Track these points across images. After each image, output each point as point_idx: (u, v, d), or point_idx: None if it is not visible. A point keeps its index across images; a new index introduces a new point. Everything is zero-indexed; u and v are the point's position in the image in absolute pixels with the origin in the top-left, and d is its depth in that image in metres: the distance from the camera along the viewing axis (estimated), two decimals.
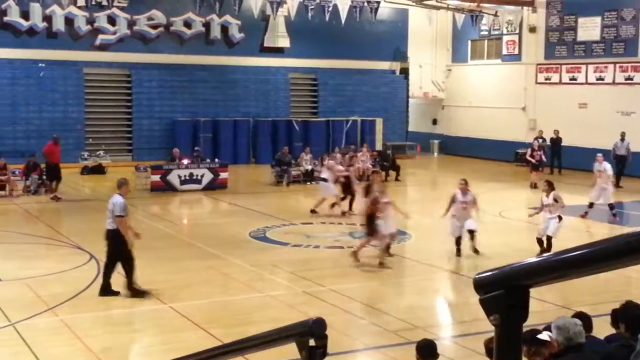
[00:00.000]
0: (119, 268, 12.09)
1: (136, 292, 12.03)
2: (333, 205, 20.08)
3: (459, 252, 15.36)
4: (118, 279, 12.12)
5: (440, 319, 12.22)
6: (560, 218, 15.29)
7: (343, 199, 20.33)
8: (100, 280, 12.35)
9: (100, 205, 21.45)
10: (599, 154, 20.69)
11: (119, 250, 12.01)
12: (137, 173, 24.64)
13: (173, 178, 23.62)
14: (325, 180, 20.41)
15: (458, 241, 15.32)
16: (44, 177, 22.72)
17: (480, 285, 2.86)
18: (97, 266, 13.90)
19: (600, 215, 19.62)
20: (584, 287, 12.24)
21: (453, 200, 15.40)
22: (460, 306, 12.24)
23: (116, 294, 12.02)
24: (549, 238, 15.23)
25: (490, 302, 2.76)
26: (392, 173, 27.62)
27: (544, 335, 5.47)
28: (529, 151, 26.48)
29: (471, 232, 15.24)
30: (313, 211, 20.07)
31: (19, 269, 13.63)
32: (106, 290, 12.03)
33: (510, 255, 14.60)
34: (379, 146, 33.04)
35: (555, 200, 15.23)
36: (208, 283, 13.23)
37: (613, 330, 6.59)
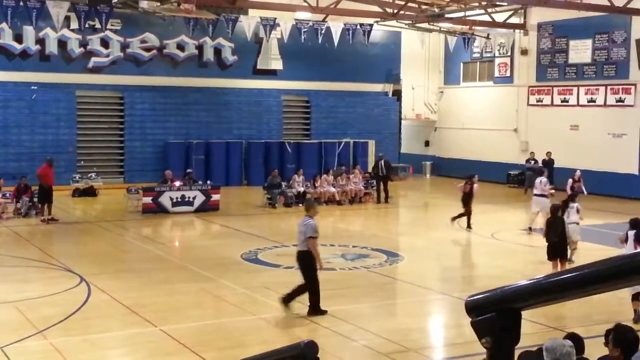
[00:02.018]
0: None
1: (319, 311, 12.26)
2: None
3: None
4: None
5: (432, 341, 12.15)
6: None
7: (462, 215, 21.13)
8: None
9: (92, 228, 21.47)
10: None
11: (309, 269, 12.34)
12: (128, 195, 24.58)
13: (165, 200, 23.56)
14: (544, 196, 20.68)
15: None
16: (35, 199, 22.62)
17: (472, 307, 2.84)
18: (88, 289, 13.81)
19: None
20: (576, 309, 12.22)
21: None
22: (453, 328, 12.18)
23: (288, 308, 12.26)
24: None
25: (481, 325, 2.74)
26: (389, 188, 27.39)
27: None
28: (570, 182, 22.64)
29: None
30: (530, 228, 20.49)
31: (8, 292, 13.53)
32: (287, 300, 12.31)
33: (502, 277, 14.57)
34: (371, 168, 33.02)
35: None
36: (199, 305, 13.15)
37: (606, 351, 6.56)
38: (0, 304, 12.85)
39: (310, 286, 12.30)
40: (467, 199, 21.24)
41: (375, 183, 27.76)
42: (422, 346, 11.28)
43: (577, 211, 16.68)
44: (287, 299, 12.34)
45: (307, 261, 12.34)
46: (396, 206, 27.92)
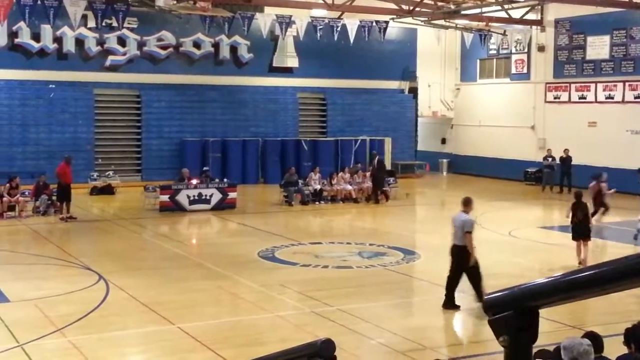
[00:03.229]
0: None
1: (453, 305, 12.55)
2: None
3: None
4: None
5: (449, 340, 12.12)
6: None
7: (604, 212, 21.17)
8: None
9: (110, 226, 21.58)
10: None
11: (464, 264, 12.52)
12: (146, 193, 24.68)
13: (182, 198, 23.64)
14: None
15: None
16: (54, 197, 22.76)
17: (490, 306, 2.83)
18: (106, 286, 13.90)
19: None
20: (595, 307, 12.15)
21: None
22: (470, 326, 12.15)
23: (457, 307, 12.44)
24: None
25: (499, 323, 2.73)
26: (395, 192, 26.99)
27: None
28: None
29: None
30: None
31: (27, 290, 13.63)
32: (449, 304, 12.51)
33: (519, 275, 14.53)
34: (387, 165, 32.97)
35: None
36: (217, 303, 13.19)
37: (625, 350, 6.53)
38: (20, 301, 12.95)
39: (475, 276, 12.49)
40: (598, 197, 21.17)
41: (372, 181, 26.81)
42: (439, 344, 11.26)
43: None
44: (446, 304, 12.53)
45: (462, 255, 12.52)
46: (413, 204, 27.88)
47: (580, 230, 16.07)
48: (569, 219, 16.38)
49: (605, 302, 12.26)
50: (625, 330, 6.58)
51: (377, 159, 27.17)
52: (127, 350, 10.98)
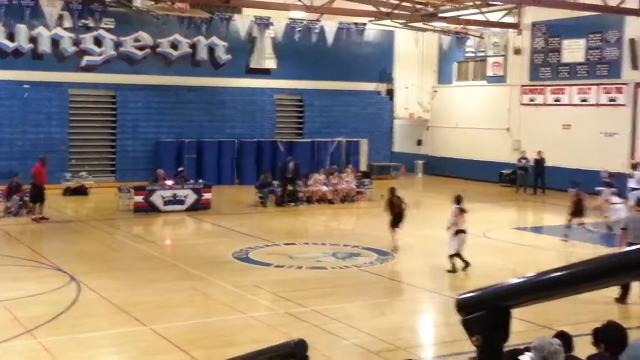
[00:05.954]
0: None
1: None
2: None
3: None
4: None
5: (422, 340, 12.13)
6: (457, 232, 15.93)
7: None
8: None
9: (83, 226, 21.36)
10: None
11: None
12: (120, 194, 24.47)
13: (156, 199, 23.48)
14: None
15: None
16: (26, 198, 22.50)
17: (462, 306, 2.81)
18: (77, 288, 13.74)
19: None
20: (565, 307, 12.21)
21: None
22: (442, 326, 12.15)
23: None
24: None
25: (472, 323, 2.71)
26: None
27: (525, 357, 5.42)
28: None
29: None
30: None
31: None
32: (624, 299, 12.78)
33: (493, 275, 14.56)
34: (363, 167, 33.00)
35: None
36: (190, 304, 13.10)
37: (595, 350, 6.55)
38: None
39: None
40: (578, 204, 20.33)
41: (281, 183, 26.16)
42: (411, 344, 11.26)
43: None
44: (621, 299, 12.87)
45: None
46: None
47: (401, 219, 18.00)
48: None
49: (575, 302, 12.33)
50: (595, 329, 6.60)
51: (284, 162, 26.73)
52: (99, 352, 10.85)
